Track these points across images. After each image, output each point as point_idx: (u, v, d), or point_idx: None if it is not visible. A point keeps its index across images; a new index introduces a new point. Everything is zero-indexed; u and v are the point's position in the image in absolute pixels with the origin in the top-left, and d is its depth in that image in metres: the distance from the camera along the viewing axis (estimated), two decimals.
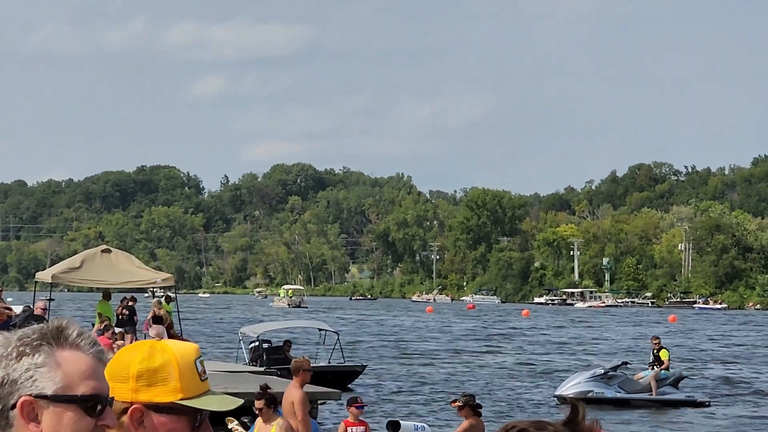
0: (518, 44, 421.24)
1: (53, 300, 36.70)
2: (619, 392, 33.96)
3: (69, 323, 2.60)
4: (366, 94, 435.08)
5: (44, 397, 2.51)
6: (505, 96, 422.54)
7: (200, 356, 2.97)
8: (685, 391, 36.52)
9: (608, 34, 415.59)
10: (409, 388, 40.46)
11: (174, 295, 38.71)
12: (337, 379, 36.42)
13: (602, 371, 34.66)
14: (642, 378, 34.85)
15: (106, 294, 37.15)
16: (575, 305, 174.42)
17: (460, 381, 42.98)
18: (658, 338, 36.24)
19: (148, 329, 36.93)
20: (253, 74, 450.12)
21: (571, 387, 34.23)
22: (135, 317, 35.79)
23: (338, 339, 40.30)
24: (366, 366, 41.39)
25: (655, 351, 35.15)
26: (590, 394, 33.07)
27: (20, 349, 2.53)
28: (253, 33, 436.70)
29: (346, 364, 40.18)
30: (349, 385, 37.69)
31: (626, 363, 36.19)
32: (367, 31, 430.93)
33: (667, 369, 34.90)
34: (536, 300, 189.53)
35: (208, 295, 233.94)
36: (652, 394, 34.34)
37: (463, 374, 46.36)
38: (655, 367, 35.10)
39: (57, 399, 2.51)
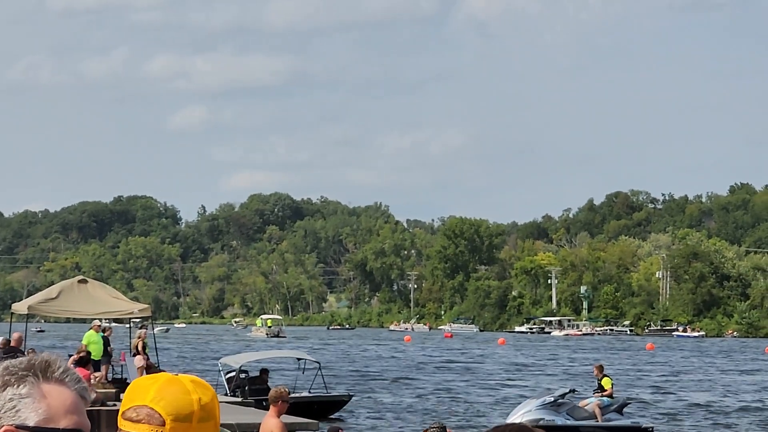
0: (496, 74, 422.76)
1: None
2: (567, 419, 34.37)
3: (56, 359, 2.62)
4: (345, 124, 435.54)
5: (26, 427, 2.50)
6: (482, 125, 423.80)
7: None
8: (630, 417, 36.64)
9: (587, 64, 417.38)
10: (389, 417, 40.20)
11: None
12: (324, 408, 36.13)
13: (551, 398, 35.03)
14: (587, 405, 35.10)
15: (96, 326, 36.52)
16: (552, 333, 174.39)
17: (432, 410, 42.83)
18: (601, 366, 36.80)
19: (125, 360, 36.51)
20: (234, 105, 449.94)
21: (522, 415, 34.40)
22: (110, 348, 35.34)
23: (320, 369, 39.97)
24: (352, 396, 41.04)
25: (598, 379, 35.73)
26: (541, 422, 33.18)
27: (5, 378, 2.55)
28: (235, 64, 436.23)
29: (333, 393, 39.85)
30: (335, 415, 37.38)
31: (574, 390, 36.43)
32: (348, 62, 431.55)
33: (610, 396, 35.37)
34: (517, 329, 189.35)
35: (184, 325, 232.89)
36: (597, 421, 34.61)
37: (428, 402, 46.25)
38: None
39: (39, 431, 2.51)
